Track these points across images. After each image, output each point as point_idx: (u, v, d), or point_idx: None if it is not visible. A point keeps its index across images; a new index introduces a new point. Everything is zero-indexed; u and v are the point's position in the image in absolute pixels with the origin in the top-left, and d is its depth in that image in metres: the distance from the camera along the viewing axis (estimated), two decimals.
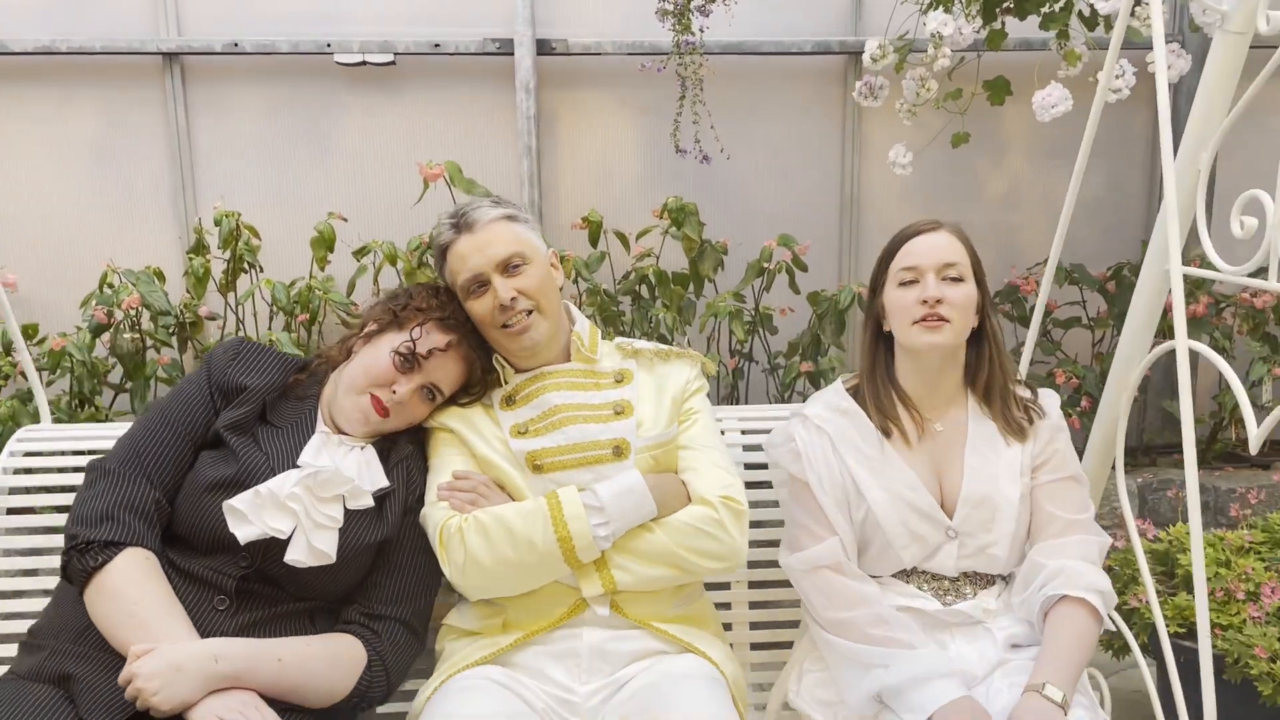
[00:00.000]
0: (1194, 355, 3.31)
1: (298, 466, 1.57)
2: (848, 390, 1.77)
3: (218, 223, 2.87)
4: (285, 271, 2.99)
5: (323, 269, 2.90)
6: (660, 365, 1.82)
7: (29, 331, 2.87)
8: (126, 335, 2.82)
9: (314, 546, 1.54)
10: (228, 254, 2.90)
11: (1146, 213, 3.40)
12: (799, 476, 1.70)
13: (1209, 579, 2.34)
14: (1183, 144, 2.07)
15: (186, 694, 1.35)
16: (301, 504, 1.53)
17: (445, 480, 1.65)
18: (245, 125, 3.08)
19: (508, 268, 1.68)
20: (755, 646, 1.95)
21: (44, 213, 3.06)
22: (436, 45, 3.00)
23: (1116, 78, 2.41)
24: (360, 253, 2.86)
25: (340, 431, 1.66)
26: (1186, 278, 2.87)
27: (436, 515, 1.61)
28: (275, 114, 3.07)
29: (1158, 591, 2.29)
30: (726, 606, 1.93)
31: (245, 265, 2.91)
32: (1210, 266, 1.75)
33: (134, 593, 1.44)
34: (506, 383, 1.74)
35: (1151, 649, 2.32)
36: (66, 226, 3.07)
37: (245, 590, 1.53)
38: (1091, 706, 1.57)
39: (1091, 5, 2.44)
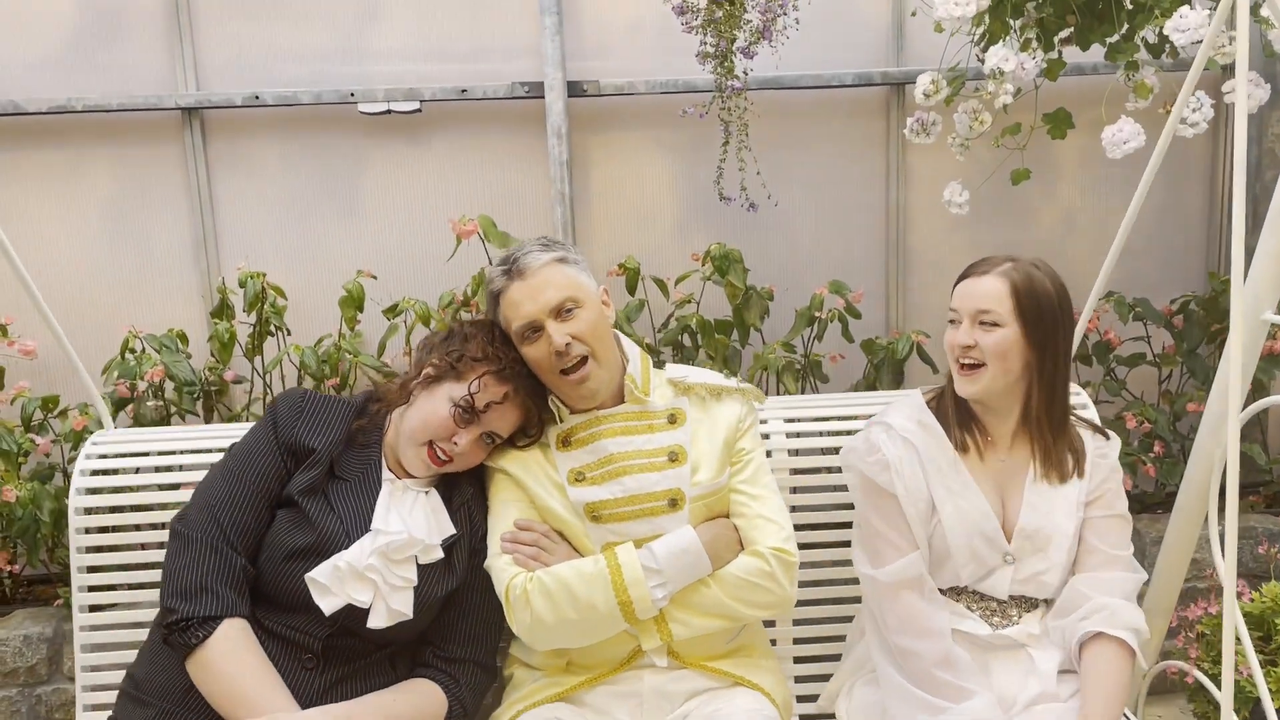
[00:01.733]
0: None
1: (370, 530, 1.69)
2: (928, 403, 1.83)
3: (242, 284, 2.76)
4: (312, 331, 2.88)
5: (352, 329, 2.80)
6: (712, 404, 1.87)
7: (49, 404, 2.76)
8: (150, 404, 2.71)
9: (392, 609, 1.68)
10: (253, 317, 2.79)
11: (1206, 240, 3.24)
12: (886, 488, 1.74)
13: None
14: (1278, 188, 1.94)
15: None
16: (379, 573, 1.66)
17: (507, 530, 1.75)
18: (268, 180, 2.98)
19: (560, 312, 1.74)
20: (799, 660, 2.10)
21: (61, 276, 2.96)
22: (464, 91, 2.89)
23: (1193, 110, 2.26)
24: (391, 311, 2.76)
25: (405, 473, 1.77)
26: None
27: (502, 571, 1.72)
28: (299, 167, 2.97)
29: (1259, 658, 2.13)
30: (771, 624, 2.09)
31: (272, 328, 2.81)
32: None
33: (235, 669, 1.58)
34: (562, 420, 1.81)
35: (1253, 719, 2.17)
36: (85, 290, 2.97)
37: (330, 648, 1.68)
38: None
39: (1161, 32, 2.29)
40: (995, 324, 1.71)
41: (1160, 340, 3.08)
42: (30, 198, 2.92)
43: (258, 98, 2.86)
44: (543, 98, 2.89)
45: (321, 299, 2.93)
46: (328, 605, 1.64)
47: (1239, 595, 2.33)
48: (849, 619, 2.06)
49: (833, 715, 1.92)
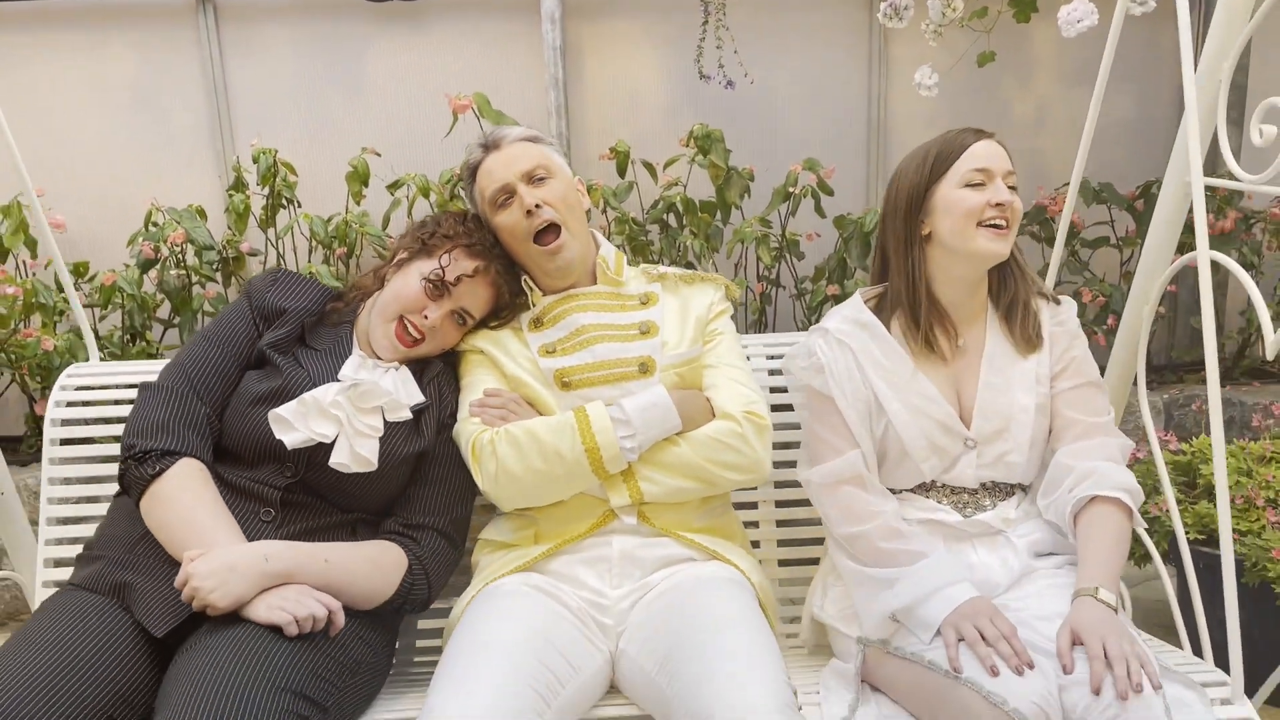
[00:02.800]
0: (1224, 273, 3.32)
1: (338, 380, 1.64)
2: (867, 304, 1.75)
3: (255, 160, 2.93)
4: (322, 206, 3.05)
5: (358, 204, 2.96)
6: (685, 288, 1.85)
7: (80, 269, 2.98)
8: (173, 272, 2.92)
9: (357, 452, 1.59)
10: (266, 190, 2.96)
11: (1174, 131, 3.35)
12: (822, 391, 1.69)
13: (1230, 487, 2.39)
14: (1204, 53, 2.07)
15: (241, 591, 1.41)
16: (344, 411, 1.59)
17: (477, 398, 1.70)
18: (279, 63, 3.13)
19: (532, 179, 1.74)
20: (783, 563, 1.98)
21: (86, 155, 3.14)
22: None
23: None
24: (394, 186, 2.91)
25: (376, 356, 1.72)
26: (1212, 192, 2.89)
27: (469, 430, 1.67)
28: (308, 52, 3.12)
29: (1178, 500, 2.34)
30: (754, 525, 1.95)
31: (284, 201, 2.98)
32: (1233, 178, 1.76)
33: (189, 499, 1.51)
34: (534, 305, 1.79)
35: (1171, 557, 2.38)
36: (109, 168, 3.15)
37: (290, 502, 1.59)
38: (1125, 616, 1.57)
39: None
40: (1014, 187, 1.65)
41: (1124, 224, 3.23)
42: (54, 80, 3.09)
43: None
44: None
45: (329, 175, 3.09)
46: (290, 440, 1.57)
47: (1165, 445, 2.54)
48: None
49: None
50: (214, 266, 2.97)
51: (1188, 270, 3.04)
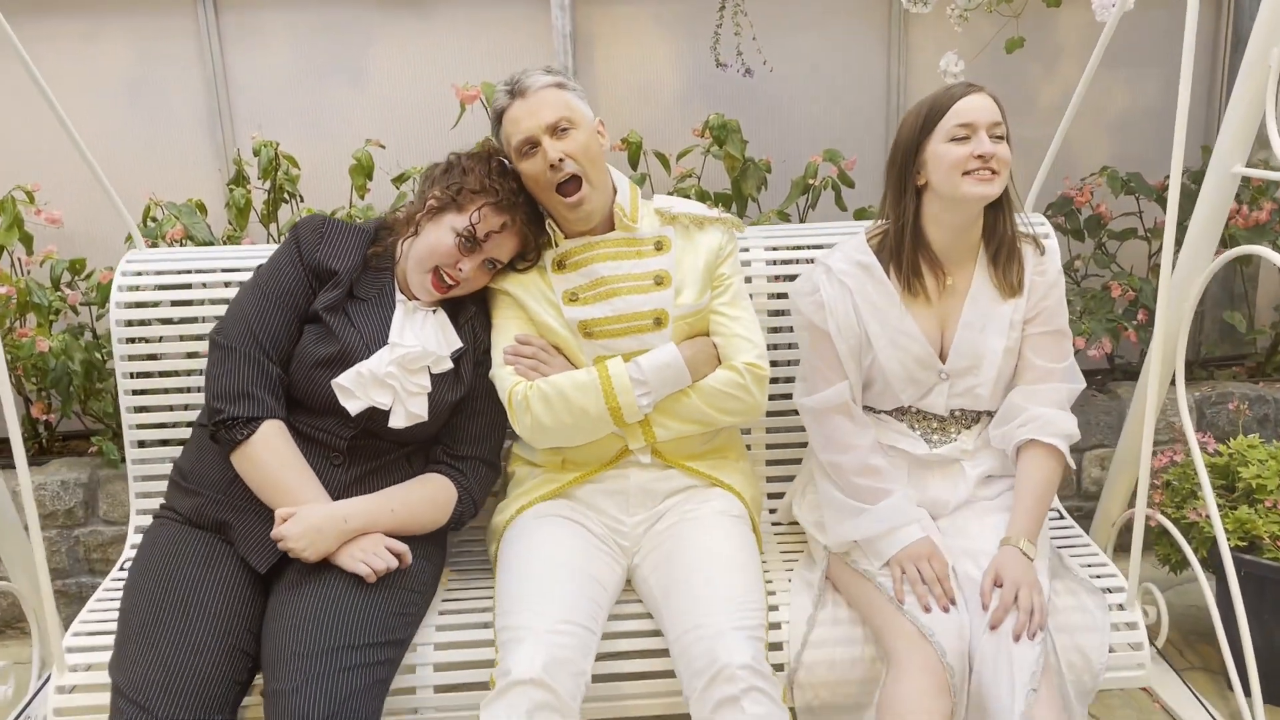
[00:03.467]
0: (1255, 266, 3.23)
1: (388, 344, 1.85)
2: (870, 243, 1.95)
3: (256, 153, 2.83)
4: (325, 200, 2.97)
5: (362, 197, 2.88)
6: (695, 232, 2.01)
7: (77, 266, 2.90)
8: None
9: (410, 411, 1.85)
10: (268, 184, 2.88)
11: (1205, 118, 3.27)
12: (820, 326, 1.91)
13: (1269, 490, 2.30)
14: (1251, 39, 1.98)
15: (327, 548, 1.72)
16: (397, 380, 1.84)
17: (509, 344, 1.92)
18: (280, 53, 3.04)
19: (556, 130, 1.86)
20: (770, 463, 2.36)
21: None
22: None
23: None
24: (399, 179, 2.83)
25: (414, 297, 1.91)
26: (1246, 181, 2.80)
27: (505, 380, 1.90)
28: (309, 41, 3.03)
29: (1218, 505, 2.25)
30: (747, 431, 2.32)
31: (286, 195, 2.90)
32: (1269, 166, 1.70)
33: (275, 461, 1.77)
34: (557, 245, 1.96)
35: (1210, 563, 2.29)
36: (106, 161, 3.01)
37: (355, 447, 1.86)
38: (1041, 558, 1.86)
39: None
40: (1001, 136, 1.82)
41: (1152, 215, 3.13)
42: (51, 69, 2.99)
43: None
44: None
45: (333, 168, 2.98)
46: (353, 407, 1.82)
47: (1203, 447, 2.45)
48: None
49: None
50: None
51: None
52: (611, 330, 1.93)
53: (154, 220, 2.86)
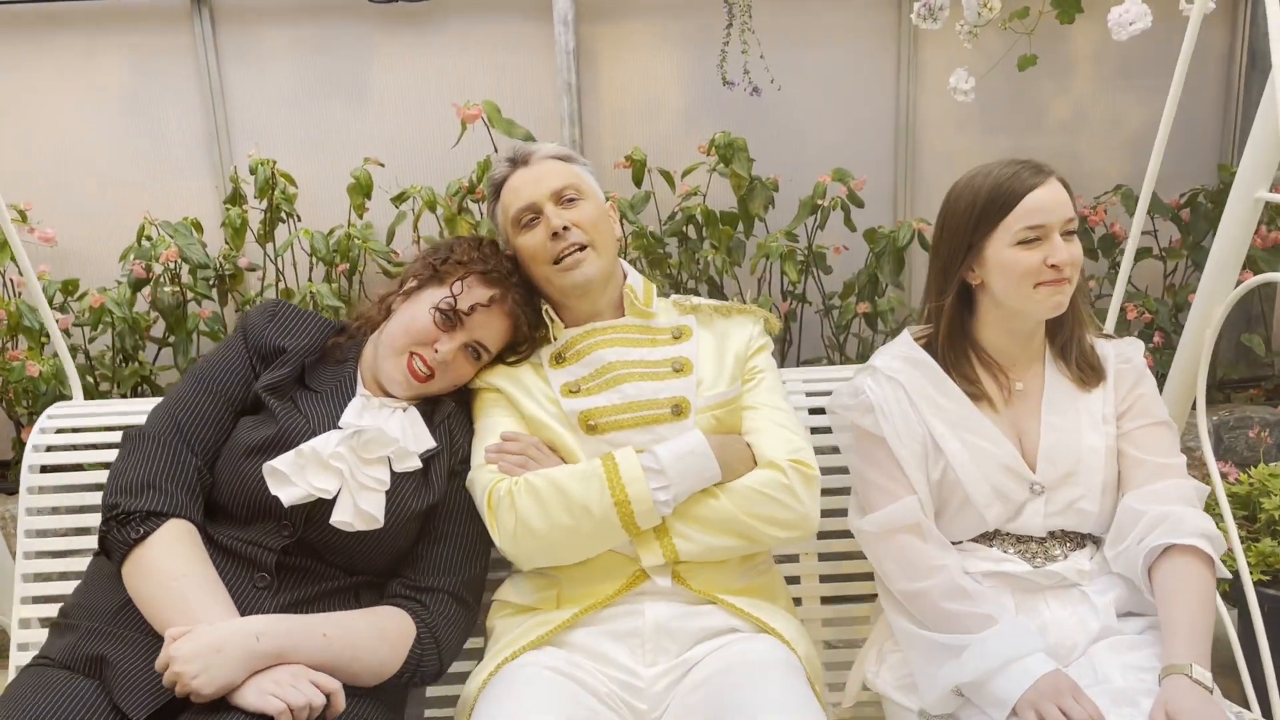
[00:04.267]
0: (1272, 287, 3.16)
1: (339, 428, 1.51)
2: (917, 341, 1.64)
3: (253, 171, 2.79)
4: (323, 219, 2.92)
5: (361, 216, 2.83)
6: (720, 321, 1.72)
7: (69, 287, 2.84)
8: (167, 289, 2.79)
9: (360, 509, 1.46)
10: (264, 203, 2.83)
11: (1221, 136, 3.21)
12: (872, 431, 1.58)
13: None
14: (1275, 61, 1.92)
15: (229, 676, 1.27)
16: (346, 464, 1.46)
17: (493, 443, 1.56)
18: (278, 69, 2.99)
19: (561, 199, 1.62)
20: (827, 623, 1.84)
21: (77, 165, 3.01)
22: None
23: None
24: (399, 199, 2.79)
25: (383, 393, 1.59)
26: (1268, 205, 2.75)
27: (484, 479, 1.52)
28: (307, 57, 2.99)
29: (1240, 537, 2.18)
30: (795, 580, 1.79)
31: (283, 215, 2.85)
32: None
33: (175, 568, 1.38)
34: (556, 339, 1.65)
35: (1232, 596, 2.22)
36: (101, 178, 3.02)
37: (287, 565, 1.46)
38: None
39: None
40: (1074, 231, 1.53)
41: (1168, 234, 3.07)
42: (48, 85, 2.95)
43: None
44: None
45: (331, 186, 2.93)
46: (287, 496, 1.44)
47: (1225, 477, 2.38)
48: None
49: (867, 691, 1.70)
50: (209, 284, 2.83)
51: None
52: (620, 421, 1.56)
53: (148, 239, 2.81)
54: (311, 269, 2.90)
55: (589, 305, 1.65)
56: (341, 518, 1.45)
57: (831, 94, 3.10)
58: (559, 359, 1.63)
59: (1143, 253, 3.04)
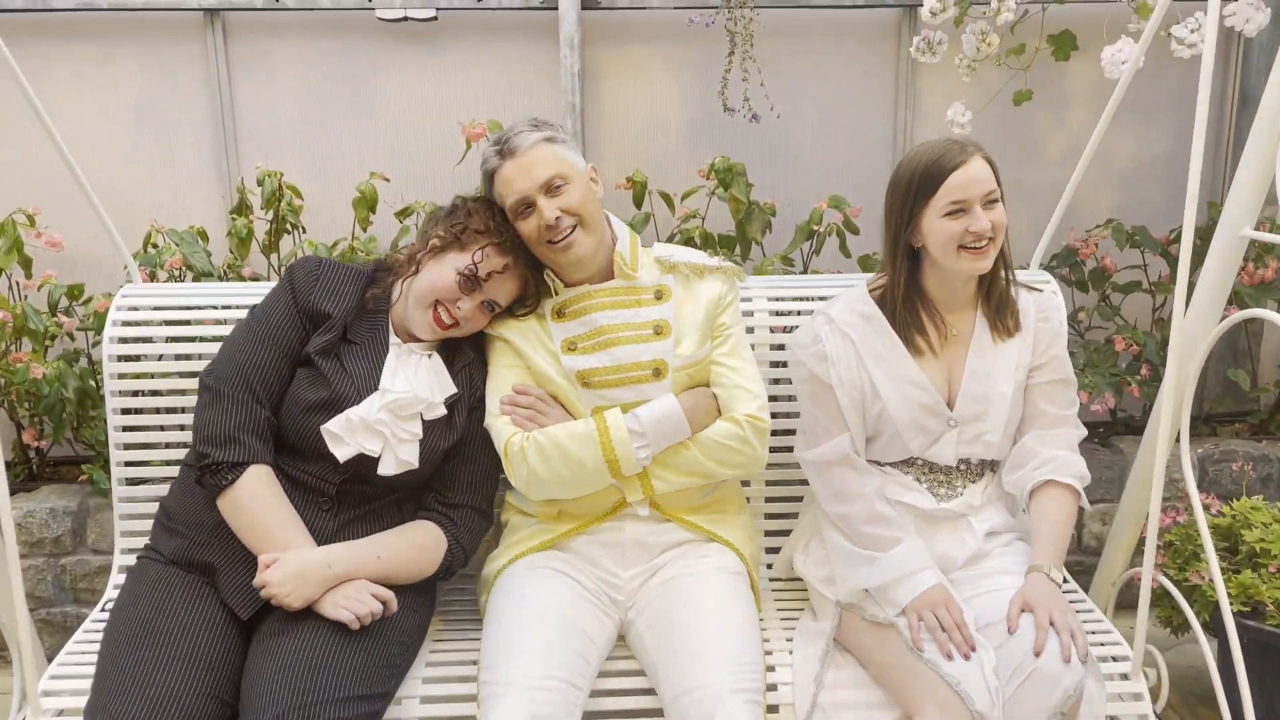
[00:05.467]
0: (1259, 323, 3.20)
1: (379, 389, 1.83)
2: (871, 293, 1.96)
3: (260, 183, 2.83)
4: (328, 232, 2.96)
5: (365, 230, 2.87)
6: (696, 281, 1.99)
7: (75, 292, 2.88)
8: None
9: (400, 459, 1.83)
10: (270, 214, 2.87)
11: (1213, 173, 3.25)
12: (823, 378, 1.91)
13: (1273, 555, 2.27)
14: (1263, 105, 1.97)
15: (311, 594, 1.68)
16: (387, 426, 1.81)
17: (506, 393, 1.90)
18: (287, 83, 3.04)
19: (550, 189, 1.85)
20: (769, 516, 2.30)
21: (88, 171, 3.01)
22: (479, 0, 2.94)
23: (1192, 31, 2.28)
24: (403, 214, 2.83)
25: (411, 338, 1.91)
26: (1255, 243, 2.78)
27: (501, 430, 1.87)
28: (317, 72, 3.04)
29: (1221, 569, 2.21)
30: (747, 485, 2.26)
31: (288, 226, 2.89)
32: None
33: (259, 506, 1.75)
34: (557, 294, 1.94)
35: (1212, 626, 2.26)
36: (110, 186, 3.04)
37: (344, 493, 1.84)
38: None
39: None
40: (995, 200, 1.82)
41: (1157, 268, 3.12)
42: (60, 94, 3.00)
43: (278, 1, 2.92)
44: (556, 9, 2.91)
45: (337, 200, 2.98)
46: (341, 454, 1.79)
47: (1207, 508, 2.41)
48: None
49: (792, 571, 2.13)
50: None
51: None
52: (609, 381, 1.91)
53: (154, 247, 2.85)
54: None
55: (583, 273, 1.93)
56: (385, 469, 1.82)
57: (830, 122, 3.15)
58: (559, 314, 1.94)
59: (1132, 286, 3.08)
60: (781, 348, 2.21)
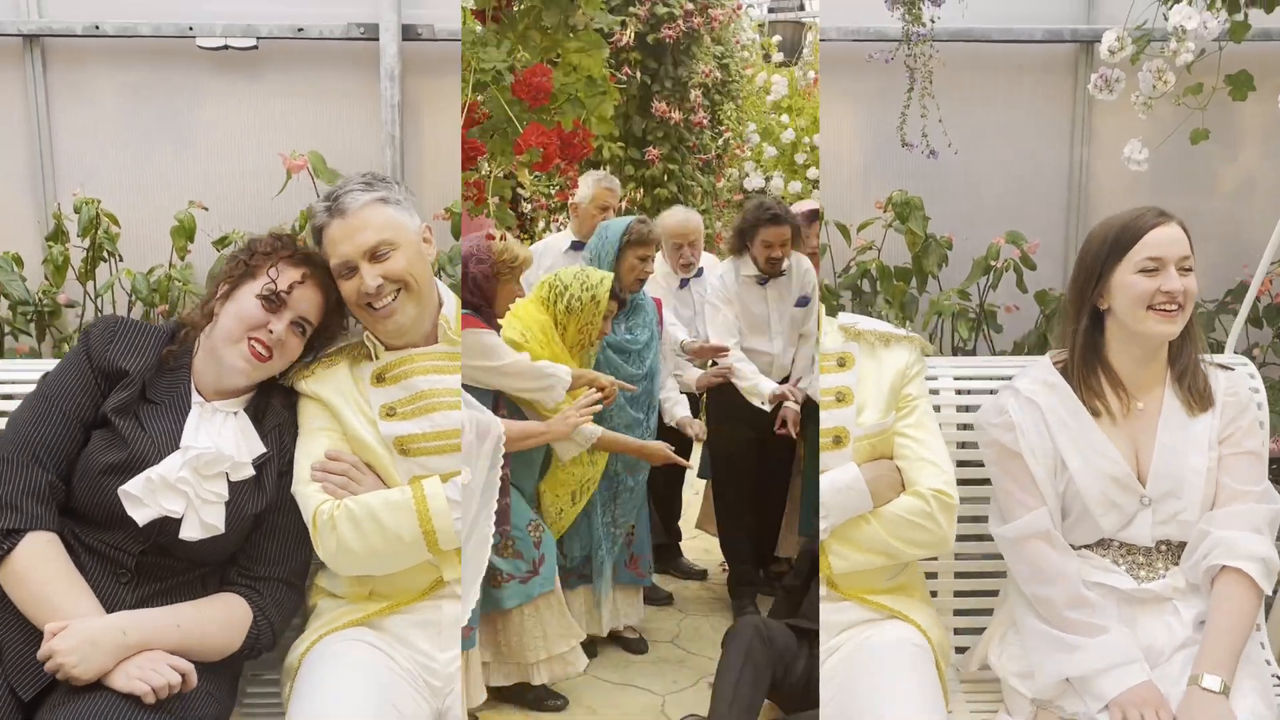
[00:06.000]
0: None
1: (180, 448, 1.74)
2: (1055, 366, 1.90)
3: (77, 210, 2.65)
4: (145, 260, 2.80)
5: (183, 259, 2.73)
6: (881, 350, 1.96)
7: None
8: None
9: (205, 521, 1.73)
10: (87, 242, 2.68)
11: None
12: (1012, 448, 1.83)
13: None
14: None
15: (103, 663, 1.56)
16: (190, 485, 1.72)
17: (318, 458, 1.78)
18: (106, 110, 2.91)
19: (374, 255, 1.78)
20: (957, 613, 2.13)
21: None
22: (300, 30, 2.82)
23: None
24: (221, 243, 2.68)
25: (217, 394, 1.81)
26: None
27: (310, 498, 1.75)
28: (137, 99, 2.91)
29: None
30: (933, 576, 2.10)
31: (105, 254, 2.72)
32: None
33: (41, 574, 1.65)
34: (377, 358, 1.86)
35: None
36: None
37: (144, 564, 1.73)
38: (1258, 677, 1.70)
39: None
40: (1189, 269, 1.79)
41: None
42: None
43: (98, 27, 2.79)
44: (377, 40, 2.81)
45: (155, 228, 2.84)
46: (141, 516, 1.71)
47: None
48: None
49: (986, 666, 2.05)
50: (28, 319, 2.72)
51: None
52: (428, 448, 1.81)
53: None
54: (130, 308, 2.78)
55: (404, 339, 1.85)
56: (189, 533, 1.72)
57: (1006, 157, 3.14)
58: (379, 379, 1.84)
59: None
60: (968, 428, 2.11)
